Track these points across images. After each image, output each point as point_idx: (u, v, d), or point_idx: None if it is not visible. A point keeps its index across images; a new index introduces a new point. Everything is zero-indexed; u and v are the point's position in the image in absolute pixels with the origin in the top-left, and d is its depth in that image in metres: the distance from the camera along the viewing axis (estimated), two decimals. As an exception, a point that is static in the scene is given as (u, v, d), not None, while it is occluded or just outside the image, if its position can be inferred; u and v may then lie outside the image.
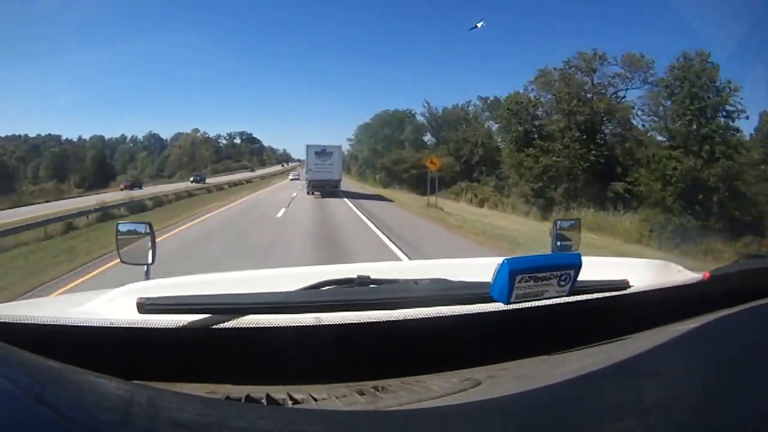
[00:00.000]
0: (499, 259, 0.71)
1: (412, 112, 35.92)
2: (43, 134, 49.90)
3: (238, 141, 61.20)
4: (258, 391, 0.67)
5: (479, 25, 26.89)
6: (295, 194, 20.85)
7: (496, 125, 28.74)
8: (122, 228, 1.64)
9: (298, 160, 55.30)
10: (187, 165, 51.95)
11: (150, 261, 1.53)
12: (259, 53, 61.13)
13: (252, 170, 51.16)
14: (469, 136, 29.76)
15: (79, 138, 51.36)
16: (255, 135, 62.25)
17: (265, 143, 64.68)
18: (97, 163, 48.51)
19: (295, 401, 0.67)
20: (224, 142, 59.82)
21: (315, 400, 0.67)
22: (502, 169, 25.88)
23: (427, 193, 23.09)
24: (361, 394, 0.69)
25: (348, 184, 29.39)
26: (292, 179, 35.66)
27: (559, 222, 1.75)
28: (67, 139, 50.50)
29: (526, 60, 46.92)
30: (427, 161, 17.51)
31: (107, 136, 54.27)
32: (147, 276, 1.50)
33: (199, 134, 56.66)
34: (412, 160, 30.51)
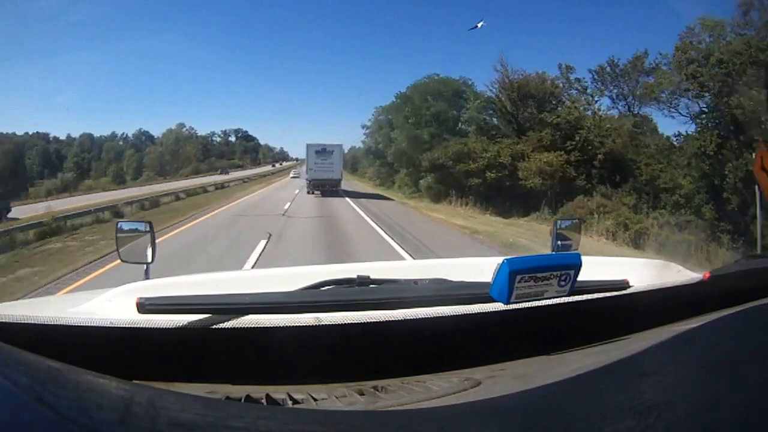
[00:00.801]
0: (499, 259, 0.71)
1: (469, 81, 22.34)
2: (31, 132, 45.68)
3: (232, 139, 57.64)
4: (258, 391, 0.67)
5: (479, 25, 26.06)
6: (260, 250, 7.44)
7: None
8: (122, 226, 1.65)
9: (296, 159, 52.83)
10: (169, 163, 47.64)
11: (150, 260, 1.53)
12: (257, 50, 59.36)
13: (226, 172, 43.09)
14: (583, 122, 17.20)
15: (68, 136, 47.94)
16: (252, 133, 59.03)
17: (262, 141, 61.61)
18: (8, 166, 36.42)
19: (295, 401, 0.67)
20: (218, 139, 55.89)
21: (315, 400, 0.67)
22: (644, 177, 15.16)
23: (514, 214, 15.10)
24: (361, 394, 0.69)
25: (376, 200, 18.55)
26: (292, 177, 34.43)
27: (559, 222, 1.75)
28: (55, 137, 47.07)
29: (529, 60, 45.98)
30: (757, 163, 6.29)
31: (97, 134, 49.80)
32: (147, 275, 1.50)
33: (184, 130, 51.18)
34: (486, 156, 18.03)
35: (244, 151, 57.55)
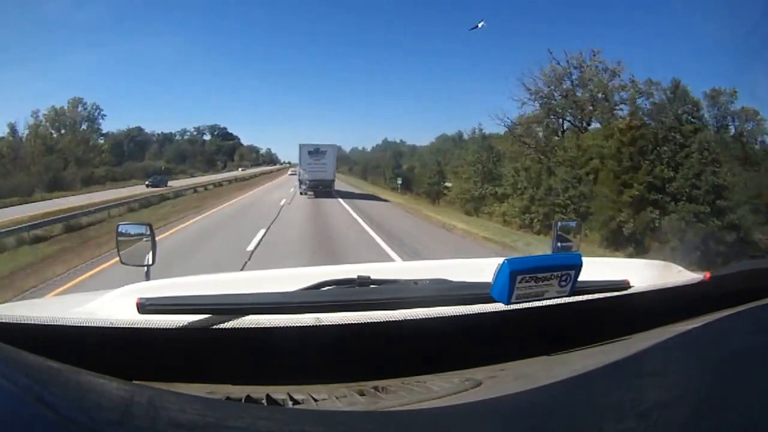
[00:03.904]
0: (500, 260, 0.71)
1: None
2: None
3: (207, 137, 45.64)
4: (258, 392, 0.67)
5: (480, 25, 25.59)
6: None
7: None
8: (122, 229, 1.65)
9: (288, 163, 47.28)
10: (34, 167, 25.90)
11: (150, 262, 1.53)
12: (249, 47, 54.64)
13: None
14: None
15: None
16: (234, 132, 47.03)
17: (246, 141, 49.40)
18: None
19: (296, 401, 0.67)
20: (188, 137, 43.99)
21: (315, 400, 0.67)
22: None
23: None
24: (362, 394, 0.69)
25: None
26: (290, 174, 33.39)
27: (560, 223, 1.75)
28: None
29: (526, 62, 45.37)
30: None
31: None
32: (147, 277, 1.50)
33: (80, 109, 31.55)
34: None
35: (216, 152, 46.48)
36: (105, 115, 34.02)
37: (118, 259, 1.55)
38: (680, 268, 1.12)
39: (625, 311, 0.87)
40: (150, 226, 1.63)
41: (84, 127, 33.09)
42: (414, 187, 28.98)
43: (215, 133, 47.27)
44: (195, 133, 45.09)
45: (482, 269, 0.85)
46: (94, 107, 33.09)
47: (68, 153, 29.20)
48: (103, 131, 35.46)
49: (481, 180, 21.43)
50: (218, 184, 27.75)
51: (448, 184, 26.18)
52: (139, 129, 39.27)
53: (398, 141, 39.74)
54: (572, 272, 0.73)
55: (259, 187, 26.88)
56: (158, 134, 41.15)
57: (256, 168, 46.52)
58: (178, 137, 43.79)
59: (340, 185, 25.05)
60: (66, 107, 31.43)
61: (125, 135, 36.77)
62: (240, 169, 44.13)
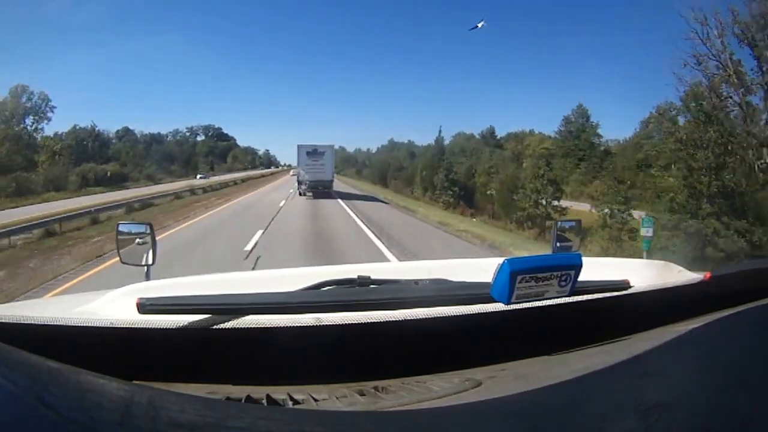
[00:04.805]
0: (500, 260, 0.71)
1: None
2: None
3: (201, 138, 42.17)
4: (258, 392, 0.67)
5: (480, 25, 25.47)
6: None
7: None
8: (123, 228, 1.65)
9: (288, 165, 45.16)
10: None
11: (150, 262, 1.53)
12: (250, 48, 53.71)
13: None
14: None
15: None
16: (231, 133, 44.36)
17: (243, 143, 46.80)
18: None
19: (296, 402, 0.67)
20: (179, 137, 40.08)
21: (315, 400, 0.67)
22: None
23: None
24: (362, 394, 0.69)
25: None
26: (292, 175, 31.19)
27: (559, 222, 1.75)
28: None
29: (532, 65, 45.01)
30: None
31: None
32: (147, 277, 1.50)
33: (24, 102, 26.39)
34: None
35: (208, 153, 42.46)
36: (55, 107, 27.96)
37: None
38: (680, 268, 1.12)
39: (625, 311, 0.87)
40: (150, 225, 1.63)
41: (28, 121, 27.28)
42: (474, 200, 20.10)
43: (209, 133, 43.21)
44: (187, 133, 40.60)
45: (482, 269, 0.85)
46: (42, 97, 27.21)
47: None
48: (88, 129, 29.67)
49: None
50: (137, 207, 16.59)
51: (562, 204, 16.72)
52: (127, 129, 34.86)
53: (406, 141, 36.75)
54: (572, 272, 0.73)
55: (210, 211, 15.52)
56: (145, 134, 36.39)
57: (238, 173, 40.24)
58: (169, 138, 39.25)
59: (349, 189, 23.56)
60: (7, 97, 25.72)
61: (89, 133, 30.52)
62: (199, 176, 34.52)
